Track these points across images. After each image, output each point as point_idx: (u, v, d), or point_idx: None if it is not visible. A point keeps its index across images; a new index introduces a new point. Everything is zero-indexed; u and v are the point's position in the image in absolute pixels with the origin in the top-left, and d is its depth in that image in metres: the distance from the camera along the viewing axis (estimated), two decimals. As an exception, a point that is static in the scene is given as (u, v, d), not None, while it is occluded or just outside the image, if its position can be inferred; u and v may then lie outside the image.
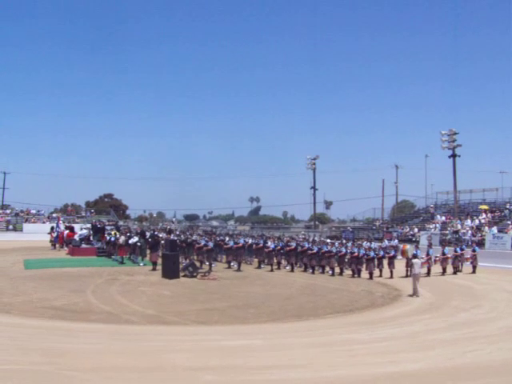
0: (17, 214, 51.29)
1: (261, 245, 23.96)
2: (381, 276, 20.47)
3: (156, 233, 28.53)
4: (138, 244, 24.34)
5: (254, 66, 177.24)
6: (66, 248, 31.03)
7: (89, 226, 33.38)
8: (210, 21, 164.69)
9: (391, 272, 20.45)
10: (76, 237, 30.01)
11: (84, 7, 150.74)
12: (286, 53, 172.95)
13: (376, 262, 20.71)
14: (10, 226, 47.75)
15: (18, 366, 7.31)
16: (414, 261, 16.27)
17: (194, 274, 19.26)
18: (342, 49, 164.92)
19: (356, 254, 20.74)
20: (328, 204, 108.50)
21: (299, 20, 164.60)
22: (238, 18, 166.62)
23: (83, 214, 56.53)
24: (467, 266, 23.02)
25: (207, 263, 22.23)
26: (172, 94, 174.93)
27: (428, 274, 21.17)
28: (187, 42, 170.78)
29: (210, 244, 23.06)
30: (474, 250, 23.34)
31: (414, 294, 15.79)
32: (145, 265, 23.19)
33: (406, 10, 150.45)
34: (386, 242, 29.79)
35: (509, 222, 34.01)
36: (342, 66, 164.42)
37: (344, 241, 26.78)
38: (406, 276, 20.41)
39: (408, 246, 21.49)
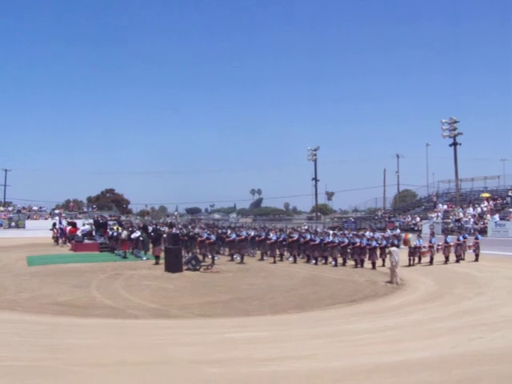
0: (19, 211, 51.41)
1: (263, 237, 23.96)
2: (384, 266, 20.48)
3: (158, 227, 28.55)
4: (141, 238, 24.39)
5: (252, 57, 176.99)
6: (68, 244, 31.12)
7: (91, 221, 33.43)
8: (208, 14, 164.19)
9: (394, 261, 20.43)
10: (78, 232, 30.07)
11: (82, 3, 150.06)
12: (284, 43, 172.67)
13: (379, 251, 20.76)
14: (13, 223, 47.89)
15: (23, 362, 7.31)
16: (392, 249, 16.33)
17: (197, 268, 19.29)
18: (342, 37, 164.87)
19: (358, 244, 20.74)
20: (330, 195, 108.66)
21: (297, 10, 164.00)
22: (236, 11, 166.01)
23: (85, 210, 56.68)
24: (470, 254, 23.00)
25: (210, 256, 22.24)
26: (172, 87, 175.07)
27: (431, 262, 21.21)
28: (186, 35, 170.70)
29: (213, 237, 23.07)
30: (476, 238, 23.30)
31: (394, 282, 15.84)
32: (147, 259, 23.23)
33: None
34: (389, 231, 29.82)
35: (511, 210, 33.98)
36: (342, 55, 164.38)
37: (346, 231, 26.77)
38: (409, 265, 20.47)
39: (410, 236, 21.47)
